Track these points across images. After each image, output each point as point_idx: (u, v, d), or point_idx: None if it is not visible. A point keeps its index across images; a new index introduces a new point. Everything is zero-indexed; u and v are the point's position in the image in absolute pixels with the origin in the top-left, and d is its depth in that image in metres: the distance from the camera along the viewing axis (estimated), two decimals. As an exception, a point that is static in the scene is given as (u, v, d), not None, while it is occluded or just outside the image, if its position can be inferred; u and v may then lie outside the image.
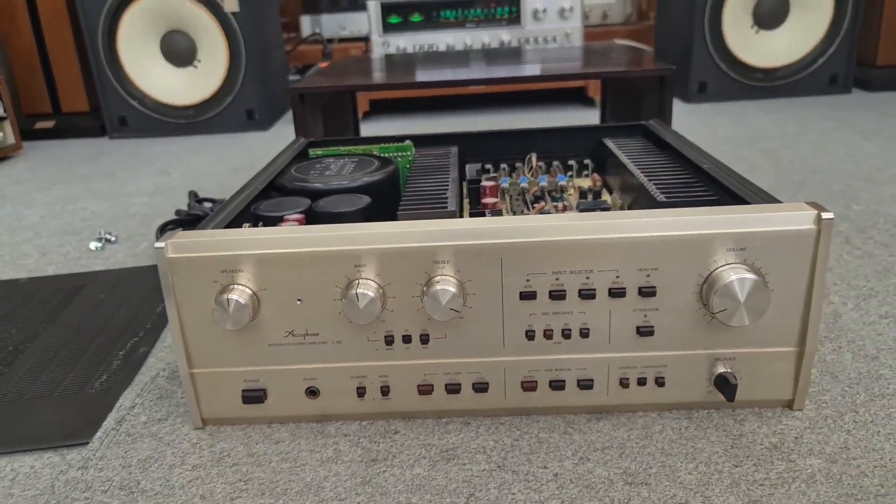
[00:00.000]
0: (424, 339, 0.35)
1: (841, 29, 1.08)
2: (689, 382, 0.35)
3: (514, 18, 1.08)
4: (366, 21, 1.65)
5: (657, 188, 0.43)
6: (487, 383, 0.36)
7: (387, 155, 0.56)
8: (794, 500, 0.29)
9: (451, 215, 0.41)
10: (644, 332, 0.35)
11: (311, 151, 0.57)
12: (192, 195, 0.71)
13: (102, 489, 0.33)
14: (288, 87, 1.33)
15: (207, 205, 0.71)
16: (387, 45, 1.10)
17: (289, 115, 1.26)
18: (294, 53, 1.60)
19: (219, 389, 0.36)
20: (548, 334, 0.35)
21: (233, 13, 1.08)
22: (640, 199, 0.45)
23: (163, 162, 0.98)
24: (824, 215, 0.32)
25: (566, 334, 0.35)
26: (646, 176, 0.46)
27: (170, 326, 0.35)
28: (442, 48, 1.10)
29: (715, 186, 0.42)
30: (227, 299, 0.33)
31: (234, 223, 0.39)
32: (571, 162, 0.59)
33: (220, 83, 1.12)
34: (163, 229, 0.62)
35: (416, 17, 1.09)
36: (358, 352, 0.36)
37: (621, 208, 0.50)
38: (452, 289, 0.33)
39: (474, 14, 1.09)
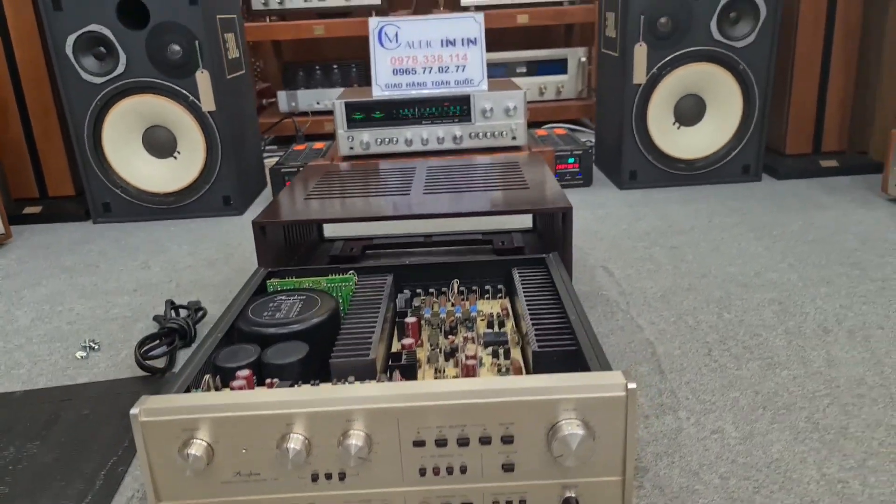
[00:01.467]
0: (342, 476, 0.46)
1: (750, 127, 1.23)
2: (545, 503, 0.46)
3: (465, 116, 1.21)
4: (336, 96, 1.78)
5: (535, 334, 0.54)
6: (392, 507, 0.47)
7: (332, 285, 0.67)
8: None
9: (370, 365, 0.52)
10: (507, 468, 0.46)
11: (269, 284, 0.68)
12: (168, 304, 0.82)
13: None
14: (261, 169, 1.44)
15: (183, 312, 0.82)
16: (351, 138, 1.22)
17: (261, 199, 1.37)
18: (269, 127, 1.72)
19: (182, 515, 0.47)
20: (436, 471, 0.46)
21: (209, 112, 1.19)
22: (527, 336, 0.56)
23: (143, 253, 1.08)
24: (630, 385, 0.44)
25: (449, 471, 0.46)
26: (531, 317, 0.57)
27: (140, 471, 0.45)
28: (401, 141, 1.22)
29: (577, 334, 0.53)
30: (187, 453, 0.44)
31: (200, 374, 0.50)
32: (488, 287, 0.70)
33: (199, 173, 1.23)
34: (142, 345, 0.72)
35: (377, 114, 1.22)
36: (291, 486, 0.46)
37: (516, 341, 0.61)
38: (360, 442, 0.44)
39: (430, 112, 1.21)
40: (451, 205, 0.78)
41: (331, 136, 1.78)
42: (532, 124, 1.53)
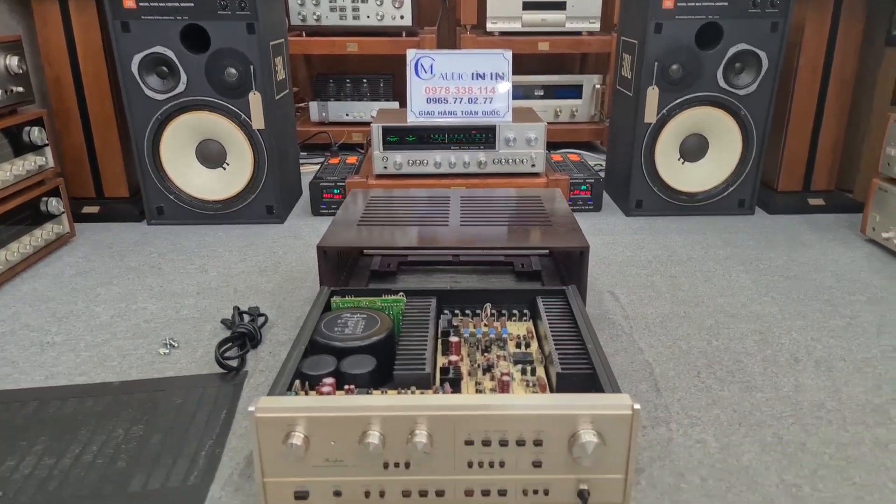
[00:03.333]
0: (407, 465, 0.59)
1: (747, 165, 1.35)
2: (563, 493, 0.59)
3: (490, 144, 1.34)
4: (365, 109, 1.90)
5: (559, 358, 0.67)
6: (444, 490, 0.59)
7: (386, 306, 0.79)
8: (607, 571, 0.53)
9: (426, 377, 0.65)
10: (536, 464, 0.58)
11: (333, 302, 0.80)
12: (236, 310, 0.94)
13: (212, 553, 0.56)
14: (298, 178, 1.56)
15: (247, 317, 0.94)
16: (386, 159, 1.34)
17: (299, 208, 1.50)
18: (305, 137, 1.84)
19: (280, 490, 0.59)
20: (480, 464, 0.59)
21: (259, 129, 1.32)
22: (550, 357, 0.69)
23: (199, 257, 1.20)
24: (635, 406, 0.57)
25: (491, 465, 0.59)
26: (554, 342, 0.70)
27: (253, 454, 0.58)
28: (431, 164, 1.34)
29: (592, 359, 0.66)
30: (290, 443, 0.57)
31: (292, 382, 0.63)
32: (515, 311, 0.83)
33: (246, 183, 1.35)
34: (220, 346, 0.84)
35: (410, 138, 1.34)
36: (367, 471, 0.59)
37: (540, 360, 0.74)
38: (424, 439, 0.57)
39: (458, 138, 1.34)
40: (486, 237, 0.90)
41: (360, 146, 1.90)
42: (547, 144, 1.64)
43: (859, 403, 0.75)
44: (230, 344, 0.86)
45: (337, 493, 0.59)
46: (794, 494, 0.62)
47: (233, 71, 1.27)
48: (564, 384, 0.65)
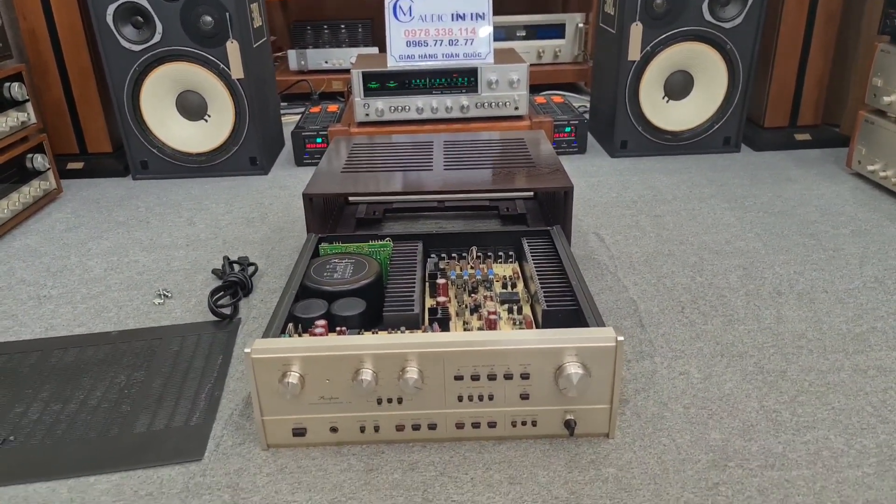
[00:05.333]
0: (400, 401, 0.61)
1: (732, 102, 1.35)
2: (551, 424, 0.62)
3: (473, 87, 1.32)
4: (344, 56, 1.86)
5: (544, 296, 0.69)
6: (436, 424, 0.62)
7: (373, 251, 0.80)
8: (595, 490, 0.57)
9: (415, 318, 0.66)
10: (524, 396, 0.61)
11: (321, 248, 0.81)
12: (226, 260, 0.95)
13: (217, 487, 0.59)
14: (279, 129, 1.54)
15: (237, 267, 0.95)
16: (367, 105, 1.33)
17: (282, 159, 1.49)
18: (285, 87, 1.80)
19: (278, 428, 0.62)
20: (470, 398, 0.61)
21: (238, 79, 1.29)
22: (536, 296, 0.71)
23: (186, 210, 1.20)
24: (619, 338, 0.59)
25: (480, 398, 0.61)
26: (540, 281, 0.72)
27: (251, 394, 0.60)
28: (413, 109, 1.33)
29: (577, 296, 0.68)
30: (286, 382, 0.58)
31: (286, 325, 0.64)
32: (501, 253, 0.84)
33: (228, 135, 1.34)
34: (212, 295, 0.86)
35: (391, 84, 1.32)
36: (361, 407, 0.61)
37: (526, 299, 0.76)
38: (415, 375, 0.59)
39: (439, 82, 1.32)
40: (470, 181, 0.91)
41: (340, 95, 1.87)
42: (530, 87, 1.62)
43: (840, 333, 0.78)
44: (222, 293, 0.87)
45: (333, 429, 0.62)
46: (774, 419, 0.65)
47: (208, 18, 1.24)
48: (550, 321, 0.67)
